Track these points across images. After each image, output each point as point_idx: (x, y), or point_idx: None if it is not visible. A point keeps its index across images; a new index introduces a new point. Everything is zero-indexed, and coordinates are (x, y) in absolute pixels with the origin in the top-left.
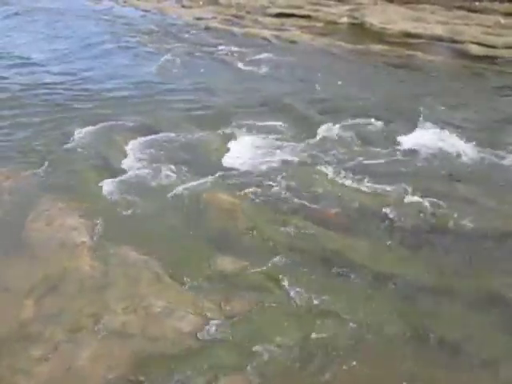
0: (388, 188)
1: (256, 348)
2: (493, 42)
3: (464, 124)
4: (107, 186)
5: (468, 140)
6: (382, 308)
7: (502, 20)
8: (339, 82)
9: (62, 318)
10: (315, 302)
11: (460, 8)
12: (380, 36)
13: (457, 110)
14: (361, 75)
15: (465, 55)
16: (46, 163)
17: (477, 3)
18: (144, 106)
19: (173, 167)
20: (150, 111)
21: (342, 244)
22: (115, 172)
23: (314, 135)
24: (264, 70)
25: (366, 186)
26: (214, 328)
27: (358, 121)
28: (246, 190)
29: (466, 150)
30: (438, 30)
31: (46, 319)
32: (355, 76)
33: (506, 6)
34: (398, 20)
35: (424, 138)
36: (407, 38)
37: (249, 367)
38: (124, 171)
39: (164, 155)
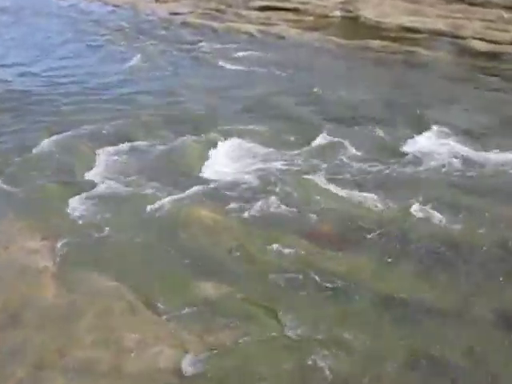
0: (387, 200)
1: None
2: (498, 37)
3: (469, 128)
4: (73, 202)
5: (474, 145)
6: (384, 333)
7: (505, 14)
8: (332, 81)
9: (23, 352)
10: (309, 331)
11: (460, 1)
12: (376, 30)
13: (461, 112)
14: (355, 73)
15: (468, 51)
16: (3, 178)
17: None
18: (115, 111)
19: (147, 180)
20: (121, 117)
21: (338, 264)
22: (82, 187)
23: (305, 141)
24: (249, 68)
25: (364, 197)
26: (195, 363)
27: (352, 125)
28: (230, 205)
29: (472, 155)
30: (438, 25)
31: (7, 354)
32: (349, 74)
33: (508, 0)
34: (394, 13)
35: (426, 144)
36: (405, 33)
37: None
38: (92, 186)
39: (137, 166)
